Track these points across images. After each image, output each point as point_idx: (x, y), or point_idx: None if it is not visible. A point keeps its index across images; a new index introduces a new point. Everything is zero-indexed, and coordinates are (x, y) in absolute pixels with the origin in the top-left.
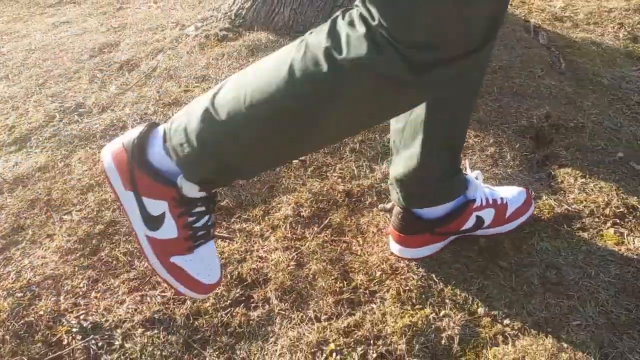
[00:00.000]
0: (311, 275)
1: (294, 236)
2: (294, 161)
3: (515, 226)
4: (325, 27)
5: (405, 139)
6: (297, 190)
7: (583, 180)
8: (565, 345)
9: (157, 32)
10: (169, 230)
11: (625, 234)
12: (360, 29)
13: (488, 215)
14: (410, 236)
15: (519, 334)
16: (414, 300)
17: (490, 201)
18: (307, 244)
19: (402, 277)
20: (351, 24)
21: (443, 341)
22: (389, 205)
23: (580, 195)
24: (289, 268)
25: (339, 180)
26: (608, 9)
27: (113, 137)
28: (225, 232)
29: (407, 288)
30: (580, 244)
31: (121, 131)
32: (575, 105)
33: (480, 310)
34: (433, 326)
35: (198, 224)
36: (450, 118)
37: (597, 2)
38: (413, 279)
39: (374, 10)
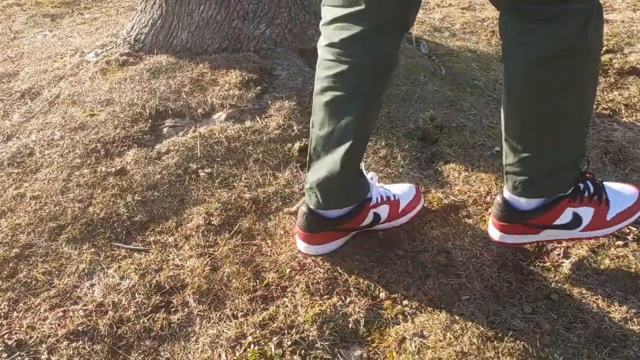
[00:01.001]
0: (226, 278)
1: (207, 243)
2: (202, 174)
3: (408, 219)
4: None
5: (330, 146)
6: (206, 201)
7: (466, 173)
8: (457, 317)
9: (56, 60)
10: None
11: None
12: None
13: (383, 211)
14: (315, 234)
15: (417, 312)
16: (322, 291)
17: (385, 198)
18: (220, 250)
19: (310, 272)
20: None
21: (350, 325)
22: (293, 208)
23: (464, 187)
24: (204, 273)
25: (246, 189)
26: (481, 18)
27: (20, 164)
28: (140, 245)
29: (315, 281)
30: (467, 229)
31: (28, 157)
32: (456, 107)
33: (382, 295)
34: (340, 312)
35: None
36: (374, 121)
37: (472, 12)
38: (320, 272)
39: None
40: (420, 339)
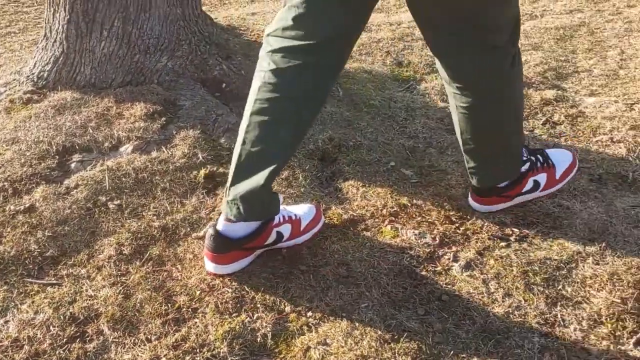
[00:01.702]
0: (138, 304)
1: (119, 273)
2: (111, 206)
3: (310, 236)
4: None
5: (258, 163)
6: (117, 232)
7: (364, 189)
8: (357, 324)
9: None
10: None
11: (400, 228)
12: None
13: (286, 230)
14: (222, 254)
15: (320, 322)
16: (230, 310)
17: (287, 218)
18: (132, 278)
19: (219, 292)
20: None
21: (259, 339)
22: (201, 233)
23: (362, 202)
24: (117, 301)
25: (155, 217)
26: (377, 39)
27: None
28: (53, 279)
29: (224, 301)
30: (365, 242)
31: None
32: (353, 127)
33: (287, 309)
34: (249, 328)
35: None
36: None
37: (368, 34)
38: (228, 292)
39: None
40: (324, 347)
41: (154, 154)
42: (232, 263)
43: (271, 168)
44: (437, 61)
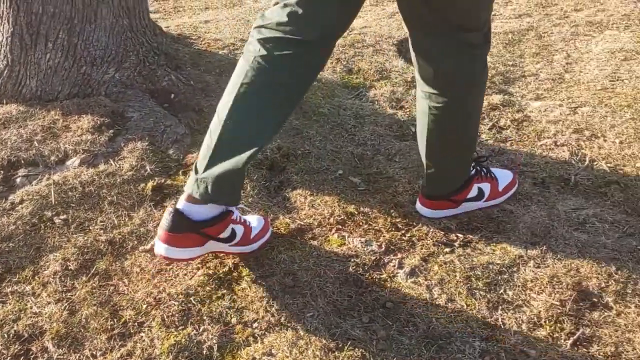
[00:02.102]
0: (84, 320)
1: (65, 288)
2: (57, 221)
3: (257, 247)
4: None
5: (239, 145)
6: (62, 247)
7: (312, 197)
8: (302, 333)
9: None
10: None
11: (346, 236)
12: None
13: (239, 231)
14: (178, 234)
15: (266, 332)
16: (177, 323)
17: (242, 220)
18: (78, 293)
19: (165, 305)
20: None
21: (204, 352)
22: (148, 246)
23: (310, 211)
24: (62, 317)
25: (101, 231)
26: None
27: None
28: None
29: (170, 314)
30: (312, 251)
31: None
32: (302, 136)
33: (234, 320)
34: (195, 341)
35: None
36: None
37: None
38: (174, 305)
39: None
40: (269, 358)
41: (102, 167)
42: (184, 248)
43: (252, 151)
44: (416, 61)
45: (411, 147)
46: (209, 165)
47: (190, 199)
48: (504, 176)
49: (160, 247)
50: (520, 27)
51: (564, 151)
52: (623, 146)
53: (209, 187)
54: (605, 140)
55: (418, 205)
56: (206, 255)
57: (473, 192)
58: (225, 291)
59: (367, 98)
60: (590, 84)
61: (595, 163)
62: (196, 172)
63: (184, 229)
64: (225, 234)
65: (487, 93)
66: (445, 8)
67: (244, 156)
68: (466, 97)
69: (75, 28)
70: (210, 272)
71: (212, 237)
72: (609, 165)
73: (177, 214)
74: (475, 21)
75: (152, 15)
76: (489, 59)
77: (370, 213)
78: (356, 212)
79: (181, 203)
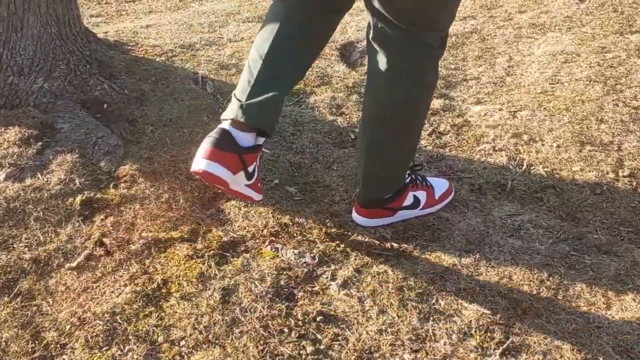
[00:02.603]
0: (4, 343)
1: None
2: None
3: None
4: None
5: (281, 75)
6: None
7: (246, 209)
8: (230, 350)
9: None
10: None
11: (280, 248)
12: None
13: (255, 170)
14: (223, 152)
15: (193, 350)
16: (101, 344)
17: (257, 165)
18: None
19: (90, 325)
20: None
21: None
22: (74, 264)
23: (244, 222)
24: None
25: (26, 249)
26: None
27: None
28: None
29: (95, 334)
30: (244, 265)
31: None
32: None
33: (160, 339)
34: None
35: None
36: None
37: None
38: (99, 325)
39: None
40: None
41: (28, 181)
42: (225, 167)
43: (292, 83)
44: (370, 51)
45: (350, 155)
46: (251, 95)
47: (235, 124)
48: (440, 184)
49: (201, 163)
50: (464, 29)
51: (502, 156)
52: (560, 150)
53: (254, 113)
54: (543, 145)
55: (354, 214)
56: (135, 271)
57: (409, 200)
58: (152, 309)
59: (307, 104)
60: (530, 87)
61: (532, 168)
62: (238, 100)
63: (230, 149)
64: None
65: None
66: (409, 6)
67: (285, 88)
68: (414, 95)
69: (1, 37)
70: (139, 289)
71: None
72: (545, 169)
73: (225, 133)
74: (435, 23)
75: (93, 20)
76: None
77: (305, 224)
78: (291, 223)
79: (226, 125)
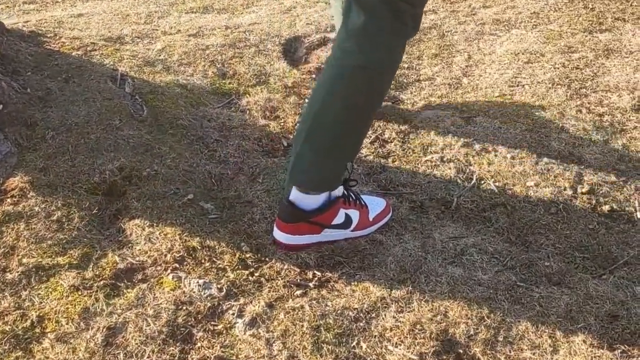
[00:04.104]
0: None
1: None
2: None
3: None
4: None
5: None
6: None
7: (151, 229)
8: None
9: None
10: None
11: (183, 278)
12: None
13: (354, 215)
14: (290, 224)
15: None
16: None
17: (357, 203)
18: None
19: None
20: None
21: None
22: None
23: (145, 246)
24: None
25: None
26: (204, 46)
27: None
28: None
29: None
30: (138, 297)
31: None
32: (152, 153)
33: None
34: None
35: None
36: None
37: (197, 40)
38: None
39: None
40: None
41: None
42: (300, 235)
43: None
44: (343, 10)
45: (279, 165)
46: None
47: (299, 188)
48: (376, 204)
49: (277, 234)
50: (423, 25)
51: (450, 168)
52: (514, 162)
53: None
54: (496, 155)
55: (275, 232)
56: (6, 305)
57: (339, 219)
58: (20, 353)
59: (238, 107)
60: (488, 90)
61: (482, 182)
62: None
63: (296, 219)
64: (338, 220)
65: None
66: None
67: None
68: (375, 61)
69: None
70: (7, 328)
71: (325, 225)
72: (497, 184)
73: (289, 204)
74: None
75: (25, 7)
76: None
77: (216, 247)
78: (200, 247)
79: (293, 193)
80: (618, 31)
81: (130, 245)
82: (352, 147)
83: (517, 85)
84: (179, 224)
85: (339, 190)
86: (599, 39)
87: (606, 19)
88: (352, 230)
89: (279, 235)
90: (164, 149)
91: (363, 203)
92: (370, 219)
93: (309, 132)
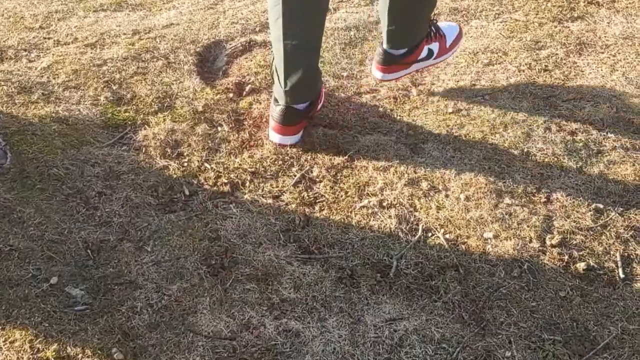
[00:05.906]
0: None
1: None
2: None
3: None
4: None
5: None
6: None
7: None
8: None
9: None
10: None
11: None
12: None
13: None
14: (290, 126)
15: None
16: None
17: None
18: None
19: None
20: None
21: None
22: None
23: None
24: None
25: None
26: (102, 60)
27: None
28: None
29: None
30: None
31: None
32: (10, 219)
33: None
34: None
35: None
36: None
37: (95, 51)
38: None
39: None
40: None
41: None
42: (297, 134)
43: (316, 53)
44: None
45: (176, 224)
46: (289, 77)
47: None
48: (451, 31)
49: (276, 137)
50: (368, 19)
51: (390, 217)
52: (469, 205)
53: (297, 94)
54: (447, 196)
55: (374, 70)
56: None
57: (423, 54)
58: None
59: (132, 143)
60: (440, 103)
61: (429, 235)
62: (282, 84)
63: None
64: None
65: None
66: None
67: (313, 58)
68: None
69: None
70: None
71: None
72: (447, 236)
73: (287, 108)
74: None
75: None
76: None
77: (79, 356)
78: (55, 359)
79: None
80: (592, 18)
81: None
82: (432, 6)
83: (475, 97)
84: (33, 325)
85: None
86: (570, 30)
87: (578, 3)
88: (434, 59)
89: (377, 73)
90: (27, 211)
91: (442, 34)
92: (447, 46)
93: (394, 14)
